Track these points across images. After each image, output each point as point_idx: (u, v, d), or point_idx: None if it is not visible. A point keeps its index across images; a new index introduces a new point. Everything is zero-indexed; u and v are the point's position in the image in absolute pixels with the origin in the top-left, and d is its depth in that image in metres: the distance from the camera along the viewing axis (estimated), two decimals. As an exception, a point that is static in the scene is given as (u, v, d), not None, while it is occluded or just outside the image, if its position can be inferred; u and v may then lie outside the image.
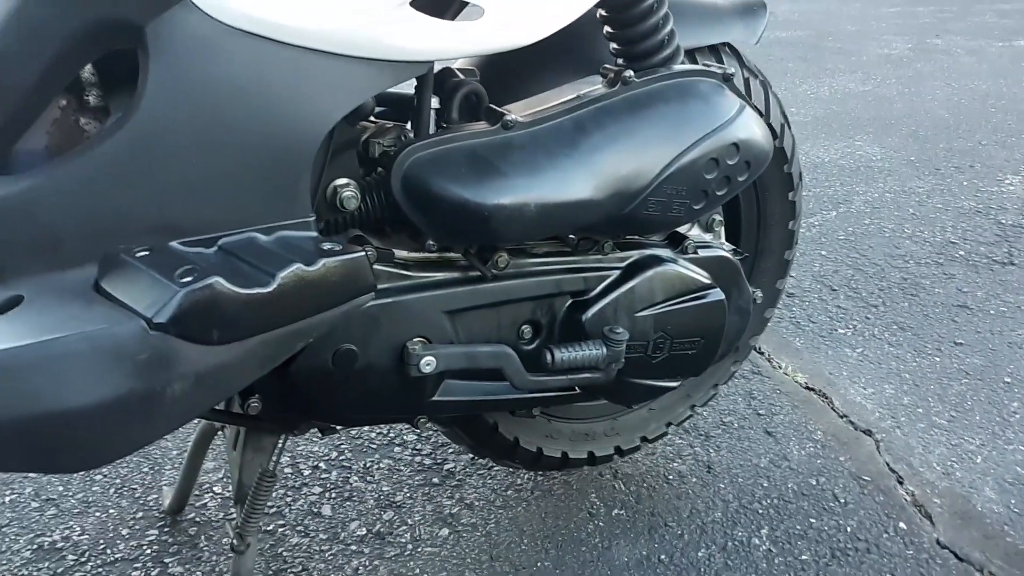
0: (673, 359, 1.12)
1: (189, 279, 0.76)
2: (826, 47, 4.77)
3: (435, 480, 1.49)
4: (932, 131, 3.36)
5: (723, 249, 1.17)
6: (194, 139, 0.80)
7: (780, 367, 1.84)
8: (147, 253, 0.79)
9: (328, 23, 0.81)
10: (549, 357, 1.02)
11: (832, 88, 3.97)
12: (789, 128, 1.32)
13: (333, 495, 1.45)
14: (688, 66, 1.06)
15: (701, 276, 1.11)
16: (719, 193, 1.04)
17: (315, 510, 1.42)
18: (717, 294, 1.12)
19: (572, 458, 1.39)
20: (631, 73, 1.01)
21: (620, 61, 1.07)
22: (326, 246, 0.85)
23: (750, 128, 1.03)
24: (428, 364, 0.96)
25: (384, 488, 1.47)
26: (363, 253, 0.86)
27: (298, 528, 1.38)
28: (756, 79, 1.27)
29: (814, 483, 1.50)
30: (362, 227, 0.98)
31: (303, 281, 0.81)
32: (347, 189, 0.94)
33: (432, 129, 1.03)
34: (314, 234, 0.87)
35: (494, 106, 1.01)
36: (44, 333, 0.74)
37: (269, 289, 0.79)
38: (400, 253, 0.98)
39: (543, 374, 1.04)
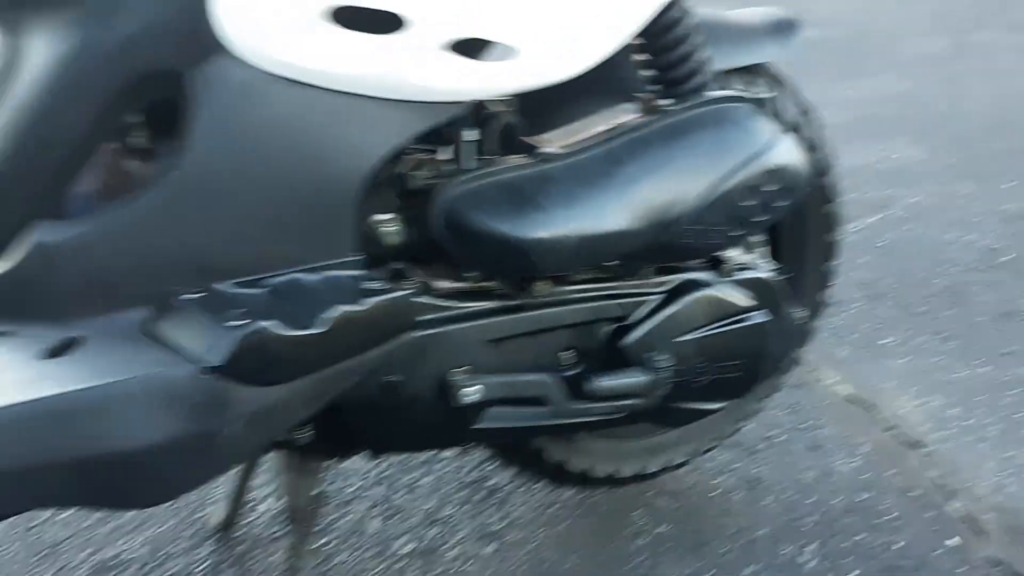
0: (716, 382, 1.12)
1: (239, 322, 0.78)
2: (862, 46, 4.70)
3: (479, 496, 1.50)
4: (973, 132, 3.29)
5: (763, 270, 1.17)
6: (239, 184, 0.83)
7: (823, 379, 1.82)
8: (198, 296, 0.82)
9: (366, 68, 0.83)
10: (591, 384, 1.03)
11: (869, 89, 3.90)
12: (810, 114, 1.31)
13: (379, 511, 1.47)
14: (721, 92, 1.06)
15: (742, 298, 1.11)
16: (758, 220, 1.04)
17: (362, 527, 1.44)
18: (759, 316, 1.12)
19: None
20: (665, 101, 1.01)
21: (654, 88, 1.08)
22: (372, 285, 0.87)
23: (788, 153, 1.03)
24: (470, 394, 0.98)
25: (429, 504, 1.49)
26: (407, 292, 0.88)
27: (345, 545, 1.40)
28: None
29: (861, 498, 1.48)
30: (402, 260, 1.00)
31: (350, 321, 0.83)
32: (387, 224, 0.96)
33: (471, 161, 1.04)
34: (359, 272, 0.89)
35: (530, 138, 1.02)
36: (101, 377, 0.77)
37: (318, 330, 0.81)
38: (439, 284, 0.99)
39: (585, 401, 1.04)
